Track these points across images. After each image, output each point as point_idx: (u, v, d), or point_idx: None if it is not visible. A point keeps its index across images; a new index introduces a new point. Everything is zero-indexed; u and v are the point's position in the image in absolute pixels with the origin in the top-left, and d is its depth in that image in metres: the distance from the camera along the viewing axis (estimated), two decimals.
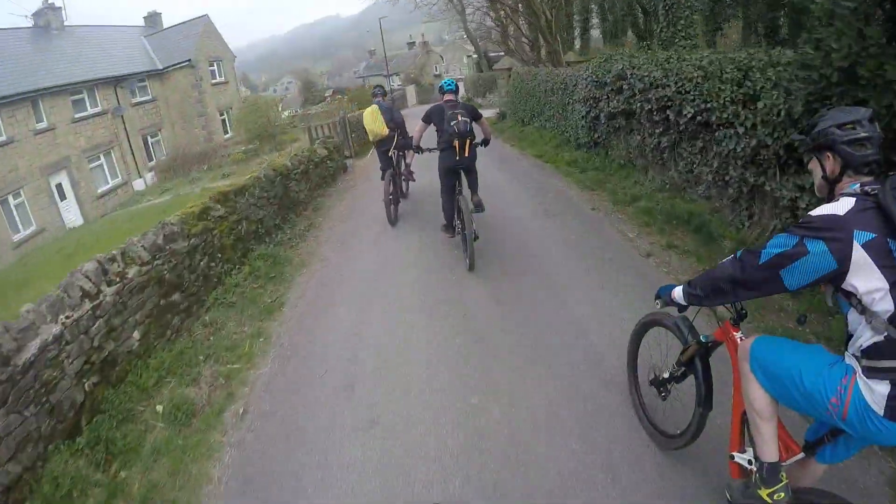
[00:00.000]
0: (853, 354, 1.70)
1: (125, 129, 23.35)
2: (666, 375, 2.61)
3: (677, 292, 2.17)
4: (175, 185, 19.64)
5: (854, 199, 1.67)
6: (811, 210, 1.75)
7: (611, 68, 8.47)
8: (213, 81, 26.77)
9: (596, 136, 9.45)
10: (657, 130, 6.99)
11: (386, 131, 7.38)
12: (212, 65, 26.92)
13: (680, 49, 8.70)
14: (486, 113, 18.31)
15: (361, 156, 14.23)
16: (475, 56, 54.85)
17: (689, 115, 5.83)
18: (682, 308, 2.23)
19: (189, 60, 25.10)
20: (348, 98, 20.28)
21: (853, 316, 1.69)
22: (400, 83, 50.37)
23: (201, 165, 20.56)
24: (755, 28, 13.38)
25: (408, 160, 7.56)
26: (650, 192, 7.21)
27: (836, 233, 1.61)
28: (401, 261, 6.20)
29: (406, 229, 7.34)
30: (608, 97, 8.52)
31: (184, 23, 28.16)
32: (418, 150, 6.13)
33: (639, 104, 7.33)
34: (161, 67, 25.54)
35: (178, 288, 5.11)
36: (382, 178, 7.36)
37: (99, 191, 21.62)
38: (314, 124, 14.65)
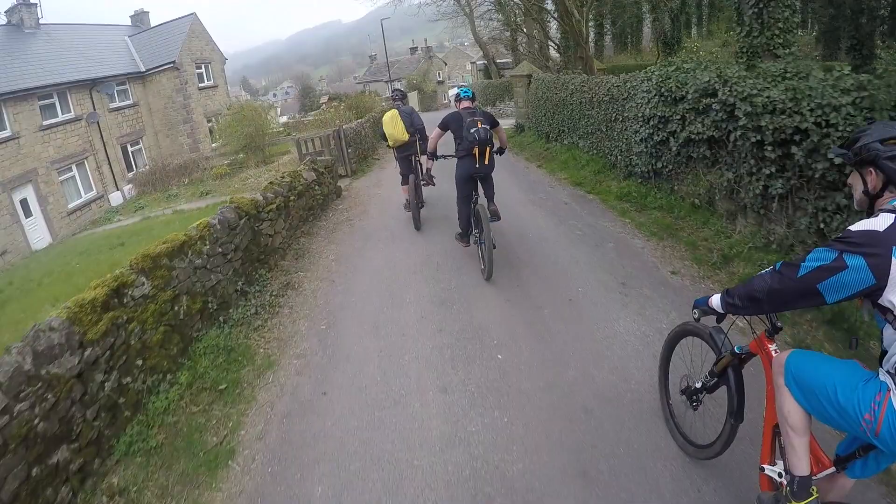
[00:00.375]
0: (888, 371, 1.68)
1: (101, 137, 21.14)
2: (698, 385, 2.56)
3: (715, 300, 2.14)
4: (151, 202, 17.44)
5: (894, 215, 1.66)
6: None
7: (687, 80, 6.35)
8: (201, 85, 24.59)
9: (659, 165, 7.29)
10: (765, 170, 4.94)
11: (406, 137, 7.17)
12: (199, 67, 24.75)
13: (789, 60, 6.46)
14: (504, 126, 16.41)
15: (360, 175, 12.05)
16: (479, 62, 52.90)
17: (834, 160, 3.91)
18: (719, 317, 2.19)
19: (173, 62, 22.92)
20: (345, 105, 18.26)
21: (889, 332, 1.68)
22: (402, 89, 48.34)
23: (182, 179, 18.33)
24: (835, 36, 10.97)
25: (427, 165, 6.95)
26: (745, 249, 5.15)
27: (875, 248, 1.61)
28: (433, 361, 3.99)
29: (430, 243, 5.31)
30: (685, 118, 6.39)
31: (169, 22, 26.04)
32: (434, 156, 5.95)
33: (739, 132, 5.20)
34: (143, 70, 23.37)
35: (64, 438, 3.03)
36: (403, 184, 7.52)
37: (70, 206, 19.35)
38: (304, 137, 12.49)
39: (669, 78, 6.84)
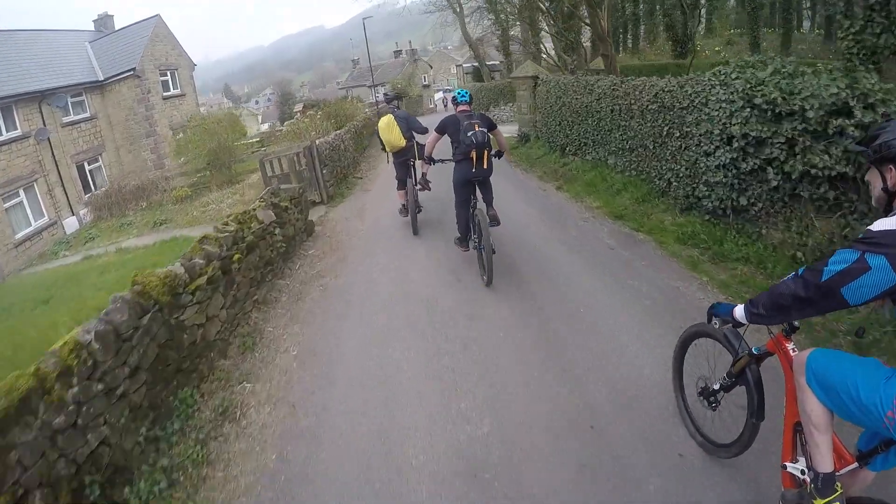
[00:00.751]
0: None
1: (53, 155, 18.70)
2: (716, 387, 2.52)
3: (739, 311, 2.08)
4: (104, 231, 15.06)
5: None
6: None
7: (799, 88, 4.41)
8: (166, 94, 22.20)
9: (744, 200, 5.27)
10: None
11: (403, 142, 7.01)
12: (164, 74, 22.36)
13: None
14: (504, 134, 14.55)
15: (338, 201, 9.87)
16: (467, 65, 50.75)
17: None
18: (738, 325, 2.14)
19: (133, 69, 20.51)
20: (323, 114, 16.05)
21: None
22: (387, 93, 46.09)
23: (139, 203, 15.95)
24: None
25: (423, 170, 6.67)
26: (887, 334, 3.32)
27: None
28: None
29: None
30: (797, 142, 4.42)
31: (131, 25, 23.62)
32: (430, 160, 5.83)
33: None
34: (102, 78, 20.94)
35: None
36: (399, 189, 7.43)
37: (18, 236, 16.84)
38: (270, 156, 10.28)
39: (764, 84, 4.82)
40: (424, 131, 7.06)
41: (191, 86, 24.23)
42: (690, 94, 5.96)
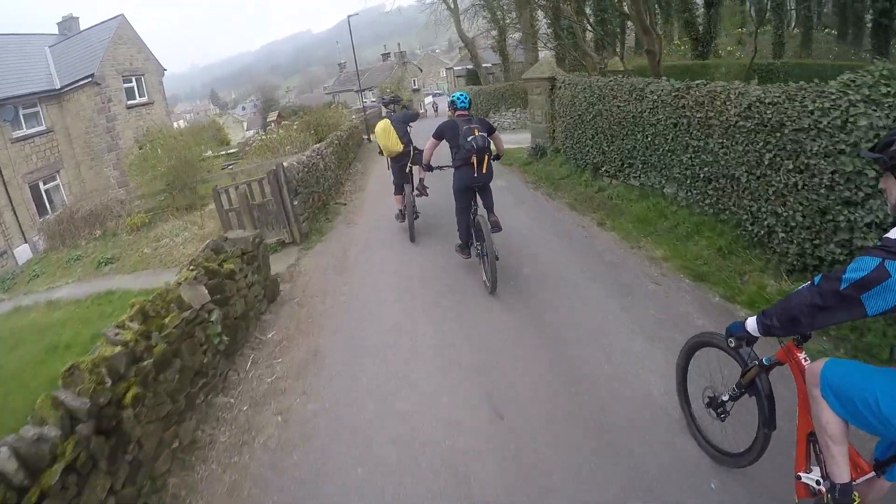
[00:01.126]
0: None
1: (1, 175, 16.42)
2: (726, 398, 2.46)
3: (751, 324, 2.02)
4: (51, 266, 12.79)
5: None
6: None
7: None
8: (130, 102, 19.91)
9: None
10: None
11: (401, 147, 6.77)
12: (128, 80, 20.08)
13: None
14: (510, 145, 12.57)
15: (315, 239, 7.74)
16: (458, 68, 48.60)
17: None
18: (752, 340, 2.09)
19: (92, 76, 18.22)
20: (301, 123, 13.87)
21: None
22: (374, 99, 43.84)
23: (93, 230, 13.67)
24: None
25: (421, 175, 6.42)
26: None
27: None
28: None
29: None
30: None
31: (93, 27, 21.31)
32: (429, 167, 5.58)
33: None
34: (59, 87, 18.63)
35: None
36: (396, 194, 7.20)
37: None
38: (230, 183, 8.16)
39: None
40: (416, 117, 7.24)
41: (160, 92, 21.93)
42: (812, 111, 3.99)
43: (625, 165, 7.41)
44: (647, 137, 6.71)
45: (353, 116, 24.32)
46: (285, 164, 7.39)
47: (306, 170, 8.34)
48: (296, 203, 7.36)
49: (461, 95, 5.28)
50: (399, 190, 7.10)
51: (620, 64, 12.82)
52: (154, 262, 9.31)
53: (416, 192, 6.92)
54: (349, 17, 20.75)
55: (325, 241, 7.67)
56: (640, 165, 7.00)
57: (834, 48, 20.98)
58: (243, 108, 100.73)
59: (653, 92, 6.46)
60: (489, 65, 29.36)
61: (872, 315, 1.61)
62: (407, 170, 6.94)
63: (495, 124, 18.79)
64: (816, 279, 1.73)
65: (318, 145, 10.47)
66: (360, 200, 10.04)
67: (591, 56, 12.52)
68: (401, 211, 7.24)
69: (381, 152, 7.13)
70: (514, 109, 17.16)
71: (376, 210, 8.96)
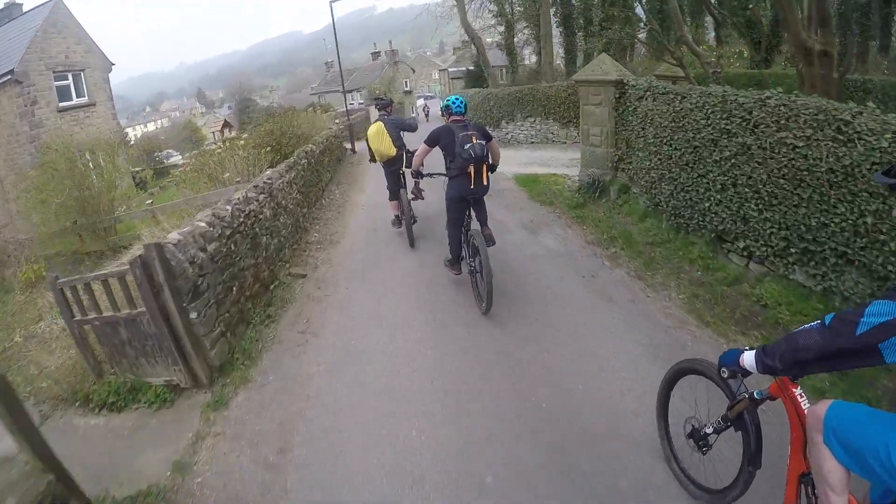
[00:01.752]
0: None
1: None
2: (709, 430, 2.28)
3: (748, 360, 1.85)
4: None
5: None
6: None
7: None
8: (64, 105, 16.03)
9: None
10: None
11: (394, 152, 6.38)
12: (62, 77, 16.22)
13: None
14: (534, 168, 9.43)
15: (241, 375, 4.08)
16: (452, 69, 44.91)
17: None
18: (745, 375, 1.92)
19: (11, 72, 14.42)
20: (254, 136, 10.26)
21: None
22: (362, 101, 40.14)
23: None
24: None
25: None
26: None
27: None
28: None
29: None
30: None
31: (24, 14, 17.48)
32: (418, 174, 5.11)
33: None
34: None
35: None
36: (392, 199, 6.83)
37: None
38: (77, 277, 4.55)
39: None
40: (415, 128, 6.80)
41: (105, 92, 18.03)
42: None
43: (792, 248, 3.96)
44: (853, 210, 3.30)
45: (337, 121, 20.70)
46: (174, 239, 3.72)
47: (229, 236, 4.68)
48: (195, 316, 3.76)
49: (456, 99, 4.75)
50: (394, 196, 6.76)
51: (678, 68, 9.33)
52: (13, 369, 5.67)
53: (411, 195, 6.62)
54: (331, 2, 17.04)
55: (256, 382, 4.05)
56: (832, 256, 3.57)
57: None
58: (230, 108, 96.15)
59: (872, 132, 3.06)
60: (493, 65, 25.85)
61: (892, 363, 1.46)
62: (401, 173, 6.61)
63: (509, 136, 15.44)
64: (828, 318, 1.57)
65: (270, 172, 6.91)
66: (334, 263, 6.46)
67: (696, 53, 8.80)
68: (397, 217, 6.95)
69: (371, 159, 6.71)
70: (532, 119, 13.64)
71: (360, 287, 5.47)
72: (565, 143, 12.84)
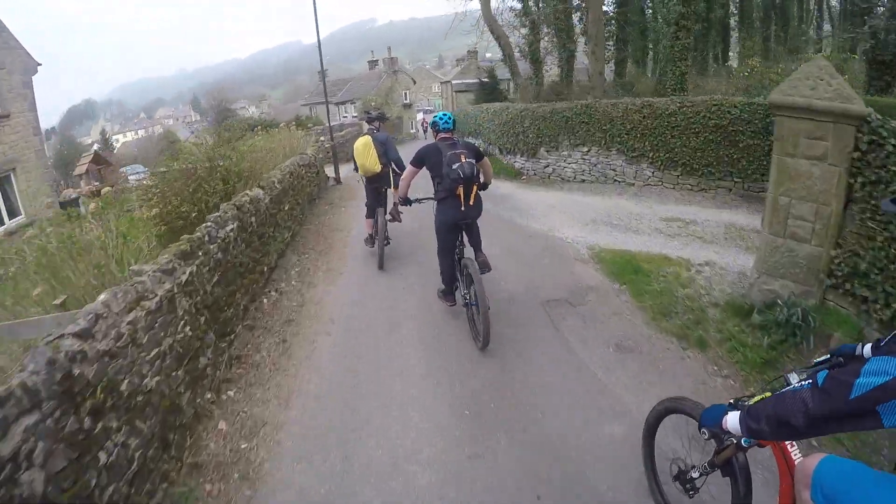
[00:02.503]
0: None
1: None
2: (696, 475, 2.14)
3: (731, 422, 1.66)
4: None
5: None
6: None
7: None
8: None
9: None
10: None
11: (379, 168, 6.22)
12: None
13: None
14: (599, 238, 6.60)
15: None
16: (456, 82, 40.82)
17: None
18: (727, 435, 1.76)
19: None
20: (170, 178, 5.61)
21: None
22: (356, 114, 36.37)
23: None
24: None
25: (396, 199, 5.31)
26: None
27: None
28: None
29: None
30: None
31: None
32: (406, 201, 4.65)
33: None
34: None
35: None
36: (368, 217, 6.61)
37: None
38: None
39: None
40: (402, 168, 6.09)
41: (25, 100, 14.02)
42: None
43: None
44: None
45: (322, 138, 16.83)
46: None
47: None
48: None
49: (444, 115, 4.45)
50: (371, 213, 6.48)
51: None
52: None
53: (388, 216, 6.14)
54: (316, 18, 13.23)
55: None
56: None
57: None
58: (209, 120, 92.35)
59: None
60: (506, 77, 22.03)
61: (890, 427, 1.24)
62: (382, 191, 6.43)
63: (550, 171, 10.54)
64: (819, 378, 1.37)
65: (192, 230, 2.98)
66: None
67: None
68: (371, 235, 6.56)
69: (355, 168, 6.44)
70: (586, 148, 9.72)
71: None
72: (633, 183, 9.01)
